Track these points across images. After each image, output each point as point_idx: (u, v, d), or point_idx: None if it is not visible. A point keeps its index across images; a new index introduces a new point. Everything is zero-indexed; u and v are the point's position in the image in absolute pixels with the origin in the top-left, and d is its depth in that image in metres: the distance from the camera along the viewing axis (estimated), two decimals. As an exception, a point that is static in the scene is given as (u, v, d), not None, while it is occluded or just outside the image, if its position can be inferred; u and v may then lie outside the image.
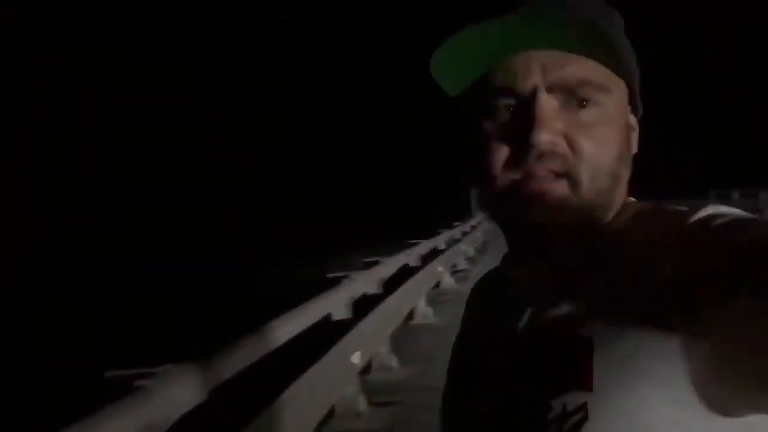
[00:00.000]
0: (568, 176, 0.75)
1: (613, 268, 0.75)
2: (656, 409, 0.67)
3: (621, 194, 0.81)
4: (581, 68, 0.75)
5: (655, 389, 0.67)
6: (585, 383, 0.70)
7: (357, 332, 5.40)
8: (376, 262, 7.98)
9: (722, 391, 0.66)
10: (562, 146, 0.75)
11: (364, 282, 7.06)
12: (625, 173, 0.81)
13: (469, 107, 0.82)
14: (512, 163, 0.76)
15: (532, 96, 0.75)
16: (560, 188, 0.75)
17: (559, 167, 0.75)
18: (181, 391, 3.17)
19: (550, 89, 0.75)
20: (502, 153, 0.76)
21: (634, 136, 0.82)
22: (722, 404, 0.67)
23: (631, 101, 0.81)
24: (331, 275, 6.69)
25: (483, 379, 0.83)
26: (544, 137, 0.74)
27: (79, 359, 7.55)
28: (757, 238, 0.66)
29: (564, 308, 0.77)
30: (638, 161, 0.89)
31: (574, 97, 0.75)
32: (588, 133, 0.76)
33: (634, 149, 0.82)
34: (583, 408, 0.70)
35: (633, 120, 0.82)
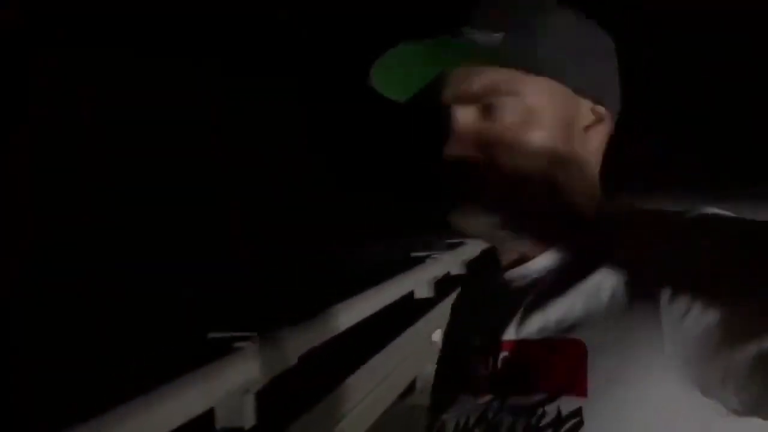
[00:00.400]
0: (490, 184, 0.78)
1: (603, 271, 0.74)
2: (651, 413, 0.67)
3: (587, 193, 0.82)
4: (489, 77, 0.77)
5: (650, 393, 0.67)
6: (579, 388, 0.70)
7: (438, 311, 5.47)
8: (460, 243, 8.04)
9: (719, 395, 0.65)
10: (478, 156, 0.78)
11: (448, 262, 7.17)
12: (570, 171, 0.80)
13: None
14: (450, 175, 0.79)
15: (448, 110, 0.79)
16: (484, 198, 0.78)
17: (479, 177, 0.78)
18: (275, 354, 3.17)
19: (463, 101, 0.78)
20: (444, 166, 0.80)
21: (594, 132, 0.83)
22: (719, 407, 0.66)
23: (596, 99, 0.82)
24: (415, 254, 6.81)
25: (474, 385, 0.82)
26: (454, 150, 0.77)
27: (80, 359, 7.48)
28: (753, 241, 0.66)
29: (554, 312, 0.76)
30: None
31: (485, 105, 0.78)
32: (504, 140, 0.77)
33: (590, 145, 0.82)
34: (578, 413, 0.69)
35: (586, 116, 0.82)
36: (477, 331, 0.86)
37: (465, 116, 0.78)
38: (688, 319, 0.65)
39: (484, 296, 0.91)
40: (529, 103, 0.78)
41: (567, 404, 0.70)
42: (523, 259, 0.83)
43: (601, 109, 0.83)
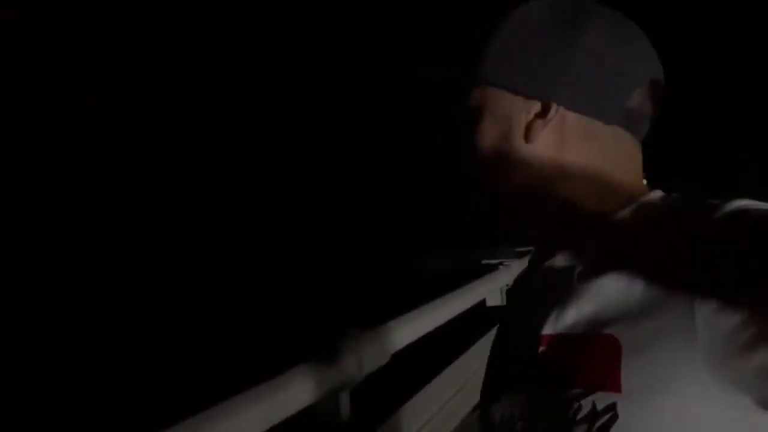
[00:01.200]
0: (472, 175, 0.90)
1: (636, 266, 0.75)
2: (686, 408, 0.68)
3: (617, 188, 0.84)
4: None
5: (684, 389, 0.68)
6: (613, 384, 0.71)
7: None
8: (529, 251, 8.00)
9: (754, 391, 0.66)
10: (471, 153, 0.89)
11: (518, 270, 7.13)
12: (511, 165, 0.86)
13: None
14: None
15: None
16: (473, 187, 0.90)
17: (467, 171, 0.90)
18: (362, 355, 3.23)
19: None
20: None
21: (526, 128, 0.86)
22: (753, 405, 0.66)
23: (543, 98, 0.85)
24: (485, 261, 6.84)
25: (519, 378, 0.84)
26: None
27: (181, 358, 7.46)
28: None
29: (589, 307, 0.77)
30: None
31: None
32: (469, 136, 0.88)
33: (522, 140, 0.86)
34: (612, 408, 0.71)
35: (529, 114, 0.86)
36: (520, 325, 0.89)
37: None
38: (723, 315, 0.66)
39: (525, 290, 0.94)
40: (475, 103, 0.88)
41: (602, 399, 0.72)
42: (552, 252, 0.86)
43: (548, 104, 0.85)
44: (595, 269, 0.79)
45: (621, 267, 0.76)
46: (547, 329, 0.81)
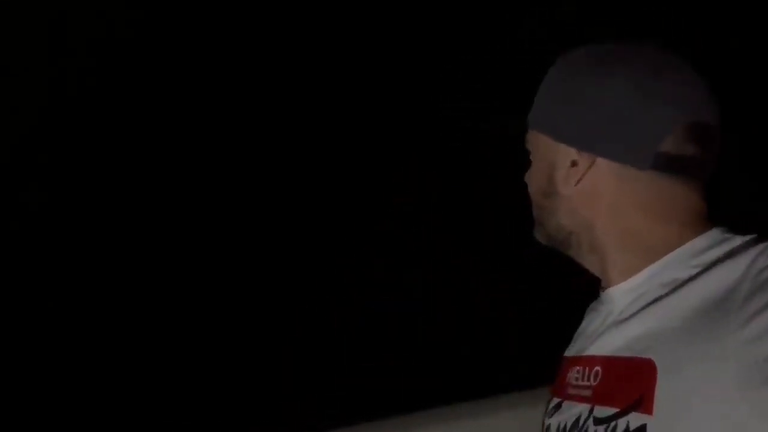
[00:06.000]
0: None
1: (682, 293, 0.79)
2: None
3: (654, 229, 0.86)
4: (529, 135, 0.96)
5: (714, 414, 0.70)
6: (647, 406, 0.75)
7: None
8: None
9: None
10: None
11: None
12: (556, 205, 0.91)
13: None
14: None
15: None
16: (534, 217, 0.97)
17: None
18: None
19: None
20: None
21: (565, 173, 0.89)
22: None
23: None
24: None
25: (573, 394, 0.90)
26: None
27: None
28: None
29: (632, 332, 0.82)
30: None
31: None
32: (528, 176, 0.96)
33: (564, 184, 0.90)
34: (642, 429, 0.74)
35: (567, 161, 0.89)
36: (577, 345, 0.95)
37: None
38: (759, 344, 0.67)
39: (588, 313, 0.98)
40: (536, 151, 0.93)
41: (635, 420, 0.75)
42: (612, 281, 0.89)
43: (584, 154, 0.87)
44: (646, 296, 0.83)
45: (668, 294, 0.80)
46: (602, 350, 0.86)
